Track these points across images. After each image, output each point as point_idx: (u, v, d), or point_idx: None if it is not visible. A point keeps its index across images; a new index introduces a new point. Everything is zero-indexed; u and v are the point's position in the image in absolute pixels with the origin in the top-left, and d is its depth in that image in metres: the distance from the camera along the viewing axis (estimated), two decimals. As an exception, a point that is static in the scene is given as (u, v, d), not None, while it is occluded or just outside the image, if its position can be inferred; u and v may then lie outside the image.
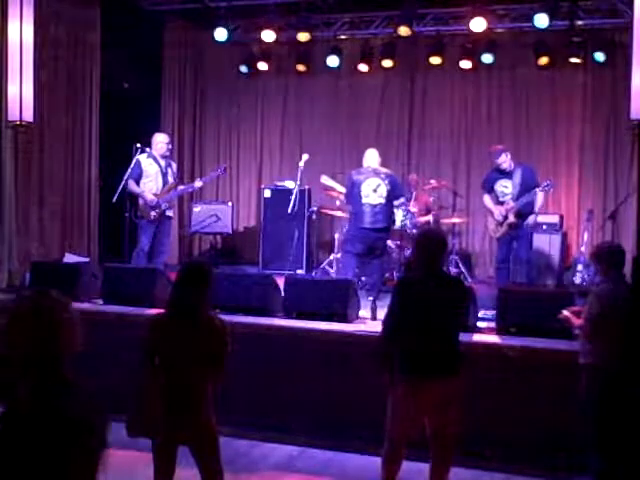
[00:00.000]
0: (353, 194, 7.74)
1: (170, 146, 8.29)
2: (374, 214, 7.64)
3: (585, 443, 4.57)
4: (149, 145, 7.97)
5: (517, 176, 7.72)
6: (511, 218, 7.69)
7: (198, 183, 8.59)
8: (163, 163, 8.04)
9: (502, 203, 7.78)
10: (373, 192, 7.65)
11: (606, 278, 4.55)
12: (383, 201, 7.66)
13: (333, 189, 8.48)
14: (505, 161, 7.84)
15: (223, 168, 8.95)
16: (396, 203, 7.97)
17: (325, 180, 8.35)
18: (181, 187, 8.52)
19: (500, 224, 7.81)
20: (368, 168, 7.80)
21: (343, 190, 8.13)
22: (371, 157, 7.88)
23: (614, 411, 4.27)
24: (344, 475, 5.14)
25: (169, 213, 8.11)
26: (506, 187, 7.79)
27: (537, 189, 7.59)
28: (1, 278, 7.60)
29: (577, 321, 4.66)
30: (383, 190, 7.67)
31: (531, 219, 7.82)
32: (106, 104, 9.26)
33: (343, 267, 8.03)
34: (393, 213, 8.08)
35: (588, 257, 7.57)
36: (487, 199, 8.02)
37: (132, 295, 6.49)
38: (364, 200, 7.66)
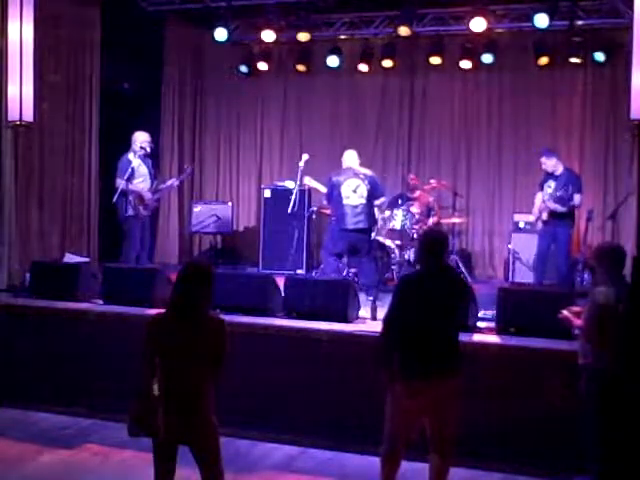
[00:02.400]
0: (334, 196, 7.76)
1: (152, 145, 8.37)
2: (355, 215, 7.65)
3: (585, 443, 4.57)
4: (132, 144, 8.04)
5: (562, 179, 7.83)
6: (544, 216, 7.85)
7: (176, 182, 8.92)
8: (148, 163, 8.18)
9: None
10: (353, 193, 7.66)
11: (606, 278, 4.54)
12: (364, 201, 7.68)
13: (317, 190, 8.47)
14: (544, 163, 8.00)
15: (190, 168, 9.90)
16: (377, 203, 7.97)
17: (308, 181, 8.33)
18: (162, 186, 8.69)
19: (537, 220, 8.04)
20: (347, 169, 7.80)
21: (325, 190, 8.12)
22: (350, 158, 7.87)
23: (614, 411, 4.27)
24: (344, 475, 5.13)
25: (151, 212, 8.37)
26: (550, 187, 7.90)
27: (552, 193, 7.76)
28: (1, 278, 7.59)
29: (577, 321, 4.66)
30: (363, 190, 7.67)
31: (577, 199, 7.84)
32: (106, 104, 9.26)
33: (325, 267, 8.02)
34: (374, 213, 8.06)
35: (589, 257, 7.58)
36: (538, 196, 8.09)
37: (132, 295, 6.48)
38: (345, 201, 7.67)
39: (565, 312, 4.77)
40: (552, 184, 7.88)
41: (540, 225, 8.02)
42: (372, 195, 7.74)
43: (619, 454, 4.27)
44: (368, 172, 7.86)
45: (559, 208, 7.73)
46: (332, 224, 8.09)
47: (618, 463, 4.28)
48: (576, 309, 4.81)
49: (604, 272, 4.57)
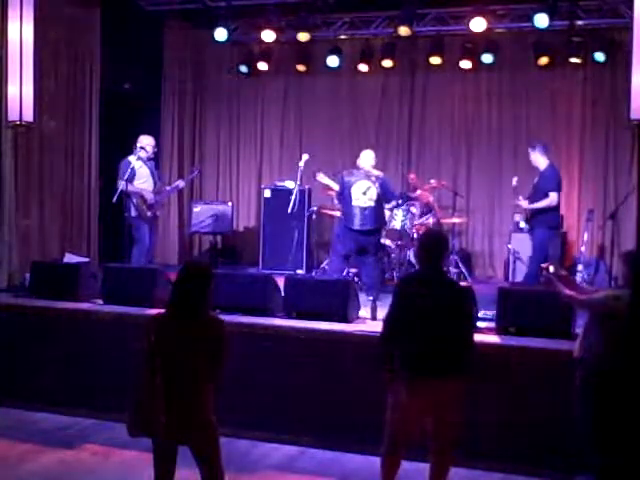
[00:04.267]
0: (344, 195, 7.74)
1: (156, 149, 8.43)
2: (363, 217, 7.62)
3: (583, 437, 4.56)
4: (135, 147, 8.08)
5: (542, 176, 7.66)
6: (527, 213, 7.80)
7: (181, 183, 8.89)
8: (150, 165, 8.22)
9: None
10: (363, 195, 7.64)
11: (629, 283, 4.49)
12: (373, 204, 7.64)
13: (329, 187, 8.47)
14: (530, 155, 7.80)
15: (197, 169, 10.13)
16: (388, 206, 7.95)
17: (321, 178, 8.30)
18: (167, 188, 8.76)
19: (524, 217, 8.01)
20: (360, 170, 7.77)
21: (337, 188, 8.10)
22: (365, 158, 7.83)
23: (609, 405, 4.28)
24: (344, 475, 5.13)
25: (158, 213, 8.41)
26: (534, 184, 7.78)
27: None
28: (1, 278, 7.60)
29: (566, 290, 4.60)
30: (373, 193, 7.65)
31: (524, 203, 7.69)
32: (106, 104, 9.26)
33: (331, 266, 8.01)
34: (384, 215, 8.04)
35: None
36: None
37: (132, 295, 6.48)
38: (354, 202, 7.64)
39: (552, 270, 4.73)
40: (536, 180, 7.75)
41: (527, 225, 7.94)
42: (382, 198, 7.72)
43: (616, 447, 4.28)
44: (380, 174, 7.83)
45: (523, 204, 7.63)
46: (340, 224, 8.07)
47: (616, 458, 4.29)
48: (562, 273, 4.78)
49: (627, 275, 4.53)
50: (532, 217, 7.69)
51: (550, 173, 7.70)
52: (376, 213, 7.70)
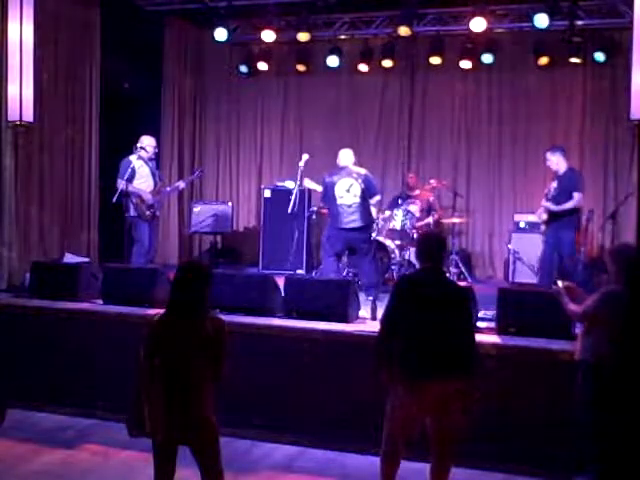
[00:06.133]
0: (328, 196, 7.74)
1: (156, 149, 8.43)
2: (349, 214, 7.61)
3: (583, 440, 4.56)
4: (136, 147, 8.07)
5: (562, 179, 7.62)
6: (543, 216, 7.72)
7: (182, 184, 8.90)
8: (151, 165, 8.21)
9: None
10: (346, 192, 7.62)
11: (618, 280, 4.49)
12: (358, 200, 7.62)
13: (317, 191, 8.46)
14: (548, 159, 7.77)
15: (200, 170, 10.10)
16: (372, 201, 7.93)
17: (308, 183, 8.29)
18: (167, 188, 8.75)
19: (540, 219, 7.92)
20: (342, 169, 7.77)
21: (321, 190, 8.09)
22: (345, 157, 7.82)
23: (611, 407, 4.28)
24: (344, 475, 5.13)
25: (157, 213, 8.37)
26: (552, 187, 7.72)
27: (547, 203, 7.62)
28: (1, 278, 7.60)
29: (572, 307, 4.59)
30: (357, 189, 7.64)
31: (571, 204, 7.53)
32: (106, 104, 9.26)
33: (324, 268, 8.01)
34: (371, 212, 8.01)
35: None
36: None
37: (132, 295, 6.47)
38: (339, 201, 7.63)
39: (560, 284, 4.73)
40: (554, 184, 7.70)
41: (543, 227, 7.87)
42: (366, 194, 7.71)
43: (617, 450, 4.28)
44: (362, 171, 7.82)
45: (551, 207, 7.56)
46: (329, 225, 8.08)
47: (616, 459, 4.29)
48: (570, 285, 4.77)
49: (616, 273, 4.52)
50: (555, 219, 7.60)
51: (572, 175, 7.70)
52: (362, 210, 7.66)
